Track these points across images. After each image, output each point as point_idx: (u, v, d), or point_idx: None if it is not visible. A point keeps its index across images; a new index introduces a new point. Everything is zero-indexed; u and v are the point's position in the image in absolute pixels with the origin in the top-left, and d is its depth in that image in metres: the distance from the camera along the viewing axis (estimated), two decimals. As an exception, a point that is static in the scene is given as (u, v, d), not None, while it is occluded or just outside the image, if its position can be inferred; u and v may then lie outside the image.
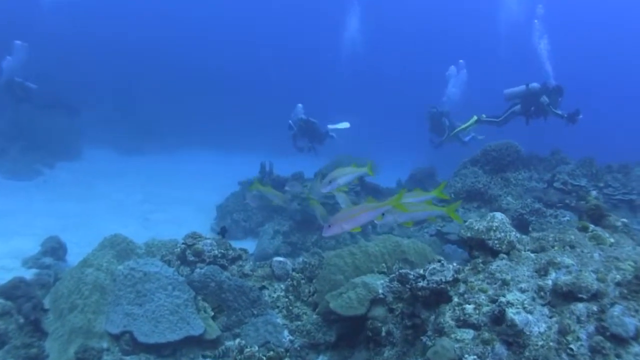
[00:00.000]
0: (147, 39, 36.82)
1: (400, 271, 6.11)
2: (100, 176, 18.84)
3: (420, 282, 5.52)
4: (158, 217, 15.38)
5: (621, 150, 16.22)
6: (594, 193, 10.55)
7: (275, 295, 7.23)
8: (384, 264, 6.83)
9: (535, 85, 13.18)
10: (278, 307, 7.08)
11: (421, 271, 5.64)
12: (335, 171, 6.92)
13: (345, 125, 16.03)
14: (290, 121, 15.53)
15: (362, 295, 6.06)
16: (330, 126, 15.88)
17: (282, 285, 7.38)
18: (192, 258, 7.44)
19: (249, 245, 12.81)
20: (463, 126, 14.02)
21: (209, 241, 7.58)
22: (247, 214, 13.97)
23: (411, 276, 5.68)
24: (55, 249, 10.89)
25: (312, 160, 16.65)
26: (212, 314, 6.91)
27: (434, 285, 5.42)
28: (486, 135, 15.61)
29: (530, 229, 9.83)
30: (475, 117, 13.75)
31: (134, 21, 38.07)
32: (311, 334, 6.49)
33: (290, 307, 6.95)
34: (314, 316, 6.76)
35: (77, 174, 18.88)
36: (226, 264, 7.50)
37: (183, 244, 7.61)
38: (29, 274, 9.60)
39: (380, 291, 6.14)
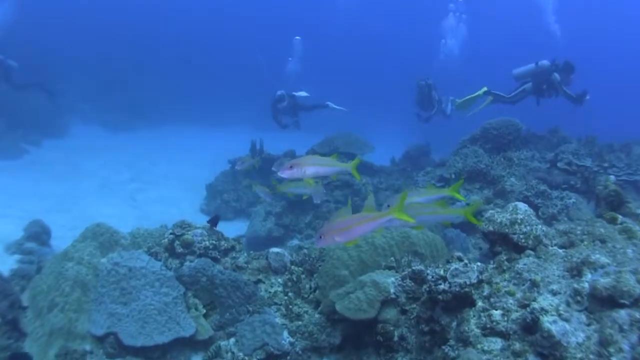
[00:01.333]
0: (131, 14, 35.83)
1: (413, 268, 5.43)
2: (87, 154, 17.99)
3: (441, 284, 4.82)
4: (146, 196, 14.70)
5: (612, 128, 15.50)
6: (612, 178, 9.88)
7: (272, 291, 6.52)
8: (392, 258, 6.11)
9: (544, 62, 12.33)
10: (276, 303, 6.38)
11: (441, 271, 4.92)
12: (307, 157, 5.75)
13: (343, 108, 15.24)
14: (281, 92, 14.67)
15: (371, 295, 5.35)
16: (330, 103, 15.08)
17: (279, 279, 6.66)
18: (181, 250, 6.69)
19: (240, 226, 12.22)
20: (471, 96, 13.05)
21: (199, 231, 6.84)
22: (238, 194, 13.36)
23: (429, 277, 4.97)
24: (38, 234, 10.24)
25: (304, 137, 16.00)
26: (204, 311, 6.23)
27: (457, 289, 4.72)
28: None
29: (539, 213, 9.21)
30: (485, 88, 12.84)
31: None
32: (314, 336, 5.79)
33: (290, 305, 6.24)
34: (316, 315, 6.06)
35: (63, 152, 18.02)
36: (218, 256, 6.75)
37: (171, 234, 6.85)
38: (11, 261, 9.15)
39: (392, 290, 5.44)
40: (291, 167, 5.09)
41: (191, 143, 22.00)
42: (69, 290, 6.04)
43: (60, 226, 11.28)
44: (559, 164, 10.80)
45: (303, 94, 14.94)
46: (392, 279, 5.61)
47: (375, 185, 12.97)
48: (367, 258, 6.11)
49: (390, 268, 6.05)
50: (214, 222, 7.22)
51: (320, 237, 4.50)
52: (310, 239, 11.28)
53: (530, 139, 12.37)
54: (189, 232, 6.83)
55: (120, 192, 14.64)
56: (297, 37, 18.61)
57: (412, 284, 5.46)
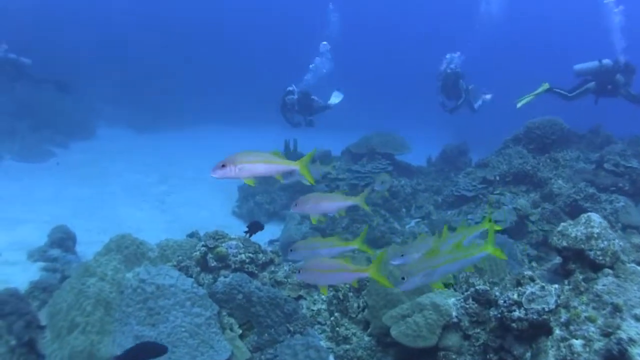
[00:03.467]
0: (156, 14, 35.59)
1: (477, 288, 4.73)
2: (114, 156, 17.49)
3: (515, 311, 4.12)
4: (175, 199, 14.15)
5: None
6: None
7: (315, 308, 5.83)
8: (450, 275, 5.40)
9: (608, 61, 11.51)
10: (320, 323, 5.69)
11: (514, 295, 4.22)
12: (243, 153, 4.59)
13: (337, 99, 14.37)
14: (291, 87, 13.68)
15: (432, 320, 4.65)
16: (331, 101, 14.23)
17: (322, 296, 5.96)
18: (214, 264, 6.02)
19: (274, 230, 11.64)
20: (532, 94, 12.13)
21: (234, 242, 6.17)
22: (271, 196, 12.71)
23: (501, 301, 4.28)
24: (63, 240, 9.72)
25: (340, 136, 15.35)
26: (240, 332, 5.55)
27: (535, 317, 4.04)
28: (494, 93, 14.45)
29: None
30: (546, 85, 11.97)
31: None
32: (363, 362, 5.09)
33: (337, 327, 5.54)
34: (366, 338, 5.37)
35: (91, 154, 17.52)
36: (256, 271, 6.08)
37: (203, 246, 6.18)
38: (34, 268, 8.75)
39: (454, 314, 4.73)
40: (223, 166, 4.36)
41: (221, 143, 21.26)
42: (90, 310, 5.42)
43: (87, 231, 10.82)
44: (605, 165, 10.22)
45: (336, 100, 14.18)
46: (453, 299, 4.92)
47: (414, 187, 12.40)
48: (422, 274, 5.43)
49: (447, 285, 5.34)
50: (253, 230, 6.49)
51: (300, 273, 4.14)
52: None
53: (572, 138, 11.72)
54: (223, 244, 6.17)
55: (149, 195, 14.08)
56: (324, 43, 17.89)
57: (476, 305, 4.77)
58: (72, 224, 10.19)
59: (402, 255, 4.51)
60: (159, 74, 27.23)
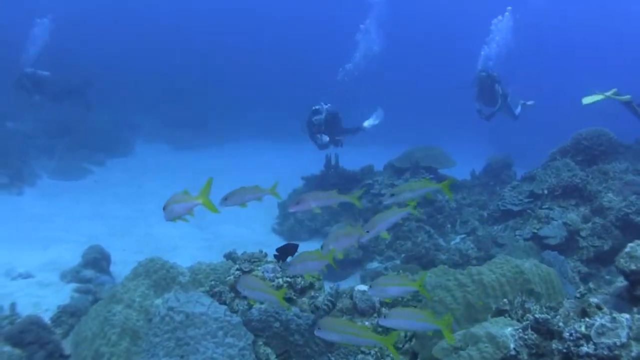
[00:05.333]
0: (195, 29, 35.67)
1: (537, 317, 4.19)
2: (151, 174, 17.20)
3: (583, 346, 3.60)
4: (214, 217, 13.64)
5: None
6: None
7: (359, 337, 5.33)
8: (505, 300, 4.84)
9: None
10: (363, 352, 5.17)
11: (582, 328, 3.69)
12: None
13: (374, 121, 13.72)
14: (319, 106, 12.75)
15: (488, 354, 4.11)
16: (366, 123, 13.56)
17: (366, 323, 5.44)
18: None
19: (315, 247, 11.14)
20: (604, 93, 11.45)
21: (271, 266, 5.68)
22: (312, 213, 12.19)
23: (566, 334, 3.74)
24: (97, 260, 9.49)
25: (382, 151, 14.90)
26: (278, 362, 5.07)
27: (605, 352, 3.51)
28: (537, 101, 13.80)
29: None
30: (628, 97, 11.35)
31: (181, 13, 36.78)
32: (411, 397, 4.57)
33: (381, 358, 5.02)
34: (414, 371, 4.84)
35: (128, 172, 17.30)
36: (294, 297, 5.58)
37: (238, 269, 5.71)
38: (67, 290, 8.58)
39: (512, 346, 4.19)
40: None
41: (259, 159, 20.81)
42: (116, 339, 5.00)
43: (122, 250, 10.61)
44: (655, 177, 9.68)
45: (370, 122, 13.53)
46: (510, 329, 4.36)
47: (459, 202, 11.99)
48: (474, 300, 4.87)
49: (501, 312, 4.80)
50: (283, 255, 5.98)
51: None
52: (392, 261, 10.30)
53: (618, 149, 11.07)
54: (259, 268, 5.70)
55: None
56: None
57: (536, 336, 4.22)
58: (108, 243, 10.00)
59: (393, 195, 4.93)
60: (200, 89, 27.10)
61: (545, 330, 4.13)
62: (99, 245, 9.64)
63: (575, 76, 31.90)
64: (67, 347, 5.43)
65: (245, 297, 5.32)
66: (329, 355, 5.12)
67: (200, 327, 4.79)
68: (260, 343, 5.13)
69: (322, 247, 4.70)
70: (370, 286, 4.51)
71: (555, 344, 3.89)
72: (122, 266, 9.32)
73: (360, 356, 5.16)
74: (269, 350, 5.12)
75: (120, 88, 23.12)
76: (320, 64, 30.42)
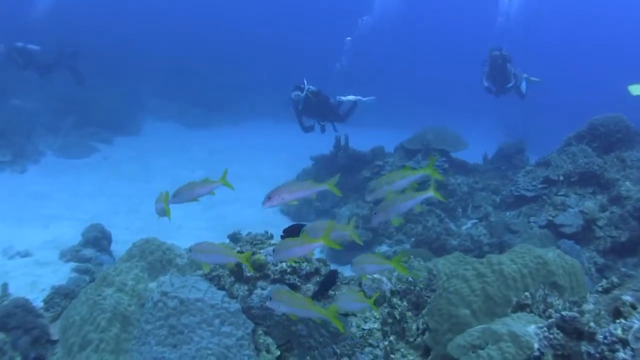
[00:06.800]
0: (207, 7, 35.31)
1: (563, 314, 3.74)
2: (159, 152, 16.91)
3: (619, 351, 3.17)
4: (221, 197, 13.29)
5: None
6: None
7: (366, 328, 4.85)
8: (527, 293, 4.38)
9: None
10: (371, 345, 4.73)
11: (618, 331, 3.25)
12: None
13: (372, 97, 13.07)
14: (303, 84, 11.92)
15: (510, 355, 3.65)
16: (359, 97, 12.83)
17: (375, 313, 4.99)
18: (250, 273, 5.08)
19: (323, 228, 10.82)
20: None
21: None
22: (322, 193, 11.84)
23: (600, 337, 3.31)
24: (97, 239, 9.26)
25: (392, 132, 14.50)
26: (278, 353, 4.63)
27: (643, 359, 3.09)
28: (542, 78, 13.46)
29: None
30: None
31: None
32: (423, 398, 4.14)
33: (392, 353, 4.58)
34: (426, 367, 4.39)
35: (135, 150, 16.99)
36: (298, 283, 5.13)
37: (239, 252, 5.28)
38: (66, 269, 8.42)
39: (536, 346, 3.74)
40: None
41: (269, 139, 20.51)
42: (105, 325, 4.60)
43: (124, 229, 10.37)
44: (673, 166, 9.36)
45: (351, 97, 12.81)
46: (534, 327, 3.91)
47: (471, 185, 11.60)
48: (494, 292, 4.41)
49: (522, 307, 4.34)
50: (291, 235, 5.53)
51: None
52: (401, 245, 10.02)
53: (635, 137, 10.69)
54: (262, 250, 5.25)
55: (193, 191, 13.32)
56: (348, 38, 16.95)
57: (561, 335, 3.77)
58: (111, 222, 9.85)
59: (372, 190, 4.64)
60: (210, 68, 26.78)
61: (572, 330, 3.71)
62: (100, 224, 9.40)
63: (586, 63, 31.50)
64: (55, 331, 5.04)
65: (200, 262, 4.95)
66: (334, 346, 4.70)
67: (196, 315, 4.37)
68: (260, 332, 4.71)
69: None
70: (351, 264, 4.39)
71: (585, 347, 3.48)
72: (123, 245, 8.82)
73: (367, 349, 4.74)
74: (269, 340, 4.69)
75: (131, 66, 22.88)
76: (334, 42, 30.07)
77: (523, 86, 12.82)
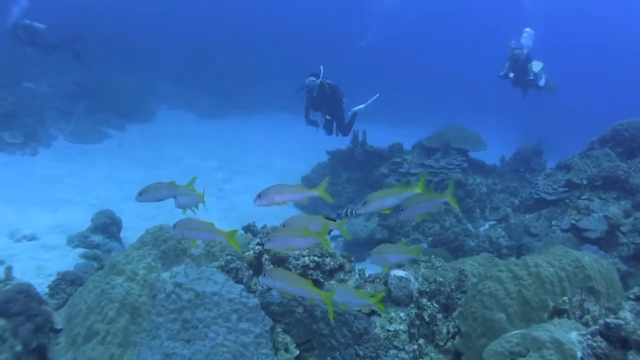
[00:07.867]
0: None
1: (608, 321, 3.41)
2: (172, 140, 16.79)
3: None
4: (234, 187, 13.32)
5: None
6: None
7: (391, 329, 4.50)
8: (565, 298, 4.03)
9: None
10: (397, 348, 4.38)
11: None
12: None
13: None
14: (321, 73, 11.44)
15: (552, 363, 3.33)
16: (359, 107, 12.22)
17: (401, 313, 4.63)
18: (271, 267, 4.75)
19: (338, 224, 10.57)
20: None
21: (295, 242, 4.92)
22: (336, 188, 11.84)
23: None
24: (107, 225, 8.94)
25: (412, 130, 14.22)
26: (297, 352, 4.29)
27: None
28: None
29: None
30: None
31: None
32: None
33: (420, 357, 4.23)
34: (457, 373, 4.05)
35: (148, 137, 16.89)
36: (321, 279, 4.79)
37: (258, 244, 4.94)
38: (74, 255, 8.08)
39: (579, 355, 3.40)
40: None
41: (285, 132, 20.35)
42: (113, 316, 4.26)
43: (135, 216, 10.08)
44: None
45: (361, 107, 12.26)
46: (575, 334, 3.57)
47: (489, 187, 11.43)
48: (530, 296, 4.06)
49: (560, 312, 4.00)
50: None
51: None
52: (418, 244, 9.73)
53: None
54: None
55: (206, 181, 13.08)
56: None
57: (605, 344, 3.43)
58: (121, 208, 9.59)
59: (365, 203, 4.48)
60: (226, 57, 26.57)
61: (616, 338, 3.39)
62: (110, 210, 9.14)
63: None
64: (59, 320, 4.72)
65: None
66: (356, 347, 4.36)
67: (211, 309, 4.03)
68: (280, 330, 4.37)
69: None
70: (369, 254, 4.40)
71: (633, 357, 3.16)
72: (133, 232, 8.83)
73: (392, 351, 4.39)
74: (288, 338, 4.36)
75: (146, 54, 22.75)
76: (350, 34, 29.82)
77: (542, 82, 12.59)
